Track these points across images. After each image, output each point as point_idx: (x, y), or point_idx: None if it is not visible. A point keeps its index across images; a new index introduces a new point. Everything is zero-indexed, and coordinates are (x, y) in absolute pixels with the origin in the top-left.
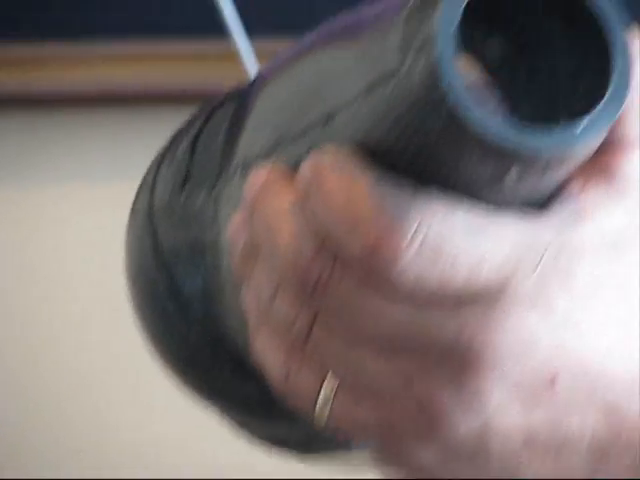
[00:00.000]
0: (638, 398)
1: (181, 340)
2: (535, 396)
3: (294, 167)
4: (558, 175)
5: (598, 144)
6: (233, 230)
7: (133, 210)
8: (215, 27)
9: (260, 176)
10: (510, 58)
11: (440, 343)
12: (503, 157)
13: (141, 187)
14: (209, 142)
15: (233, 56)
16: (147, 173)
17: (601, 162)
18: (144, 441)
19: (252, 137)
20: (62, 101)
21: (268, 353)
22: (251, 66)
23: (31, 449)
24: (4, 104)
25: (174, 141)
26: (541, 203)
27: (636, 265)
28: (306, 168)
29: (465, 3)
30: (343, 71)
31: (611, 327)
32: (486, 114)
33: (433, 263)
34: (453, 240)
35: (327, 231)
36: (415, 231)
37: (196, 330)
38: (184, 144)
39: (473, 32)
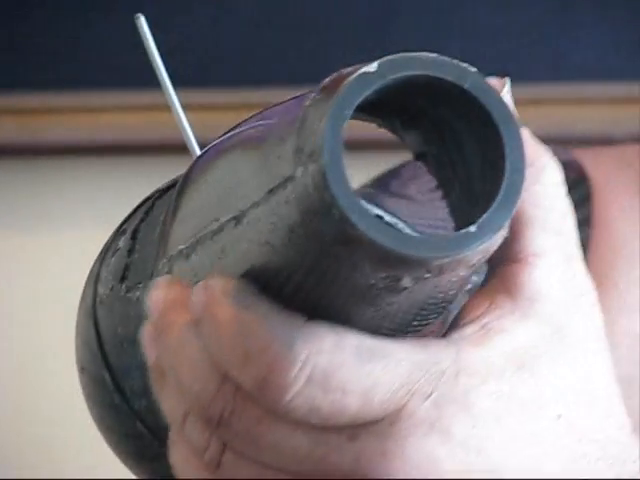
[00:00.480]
0: None
1: (129, 430)
2: None
3: (209, 270)
4: (456, 278)
5: (493, 247)
6: (144, 344)
7: (81, 300)
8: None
9: (162, 292)
10: (434, 149)
11: (340, 469)
12: (394, 263)
13: (88, 277)
14: (148, 234)
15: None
16: (94, 263)
17: (506, 279)
18: None
19: (177, 233)
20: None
21: (185, 471)
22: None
23: (31, 449)
24: None
25: (119, 231)
26: (445, 314)
27: (542, 384)
28: (198, 294)
29: (347, 119)
30: (252, 173)
31: (518, 449)
32: (375, 221)
33: (323, 392)
34: (343, 368)
35: (222, 362)
36: (304, 361)
37: (142, 421)
38: (126, 235)
39: (394, 120)
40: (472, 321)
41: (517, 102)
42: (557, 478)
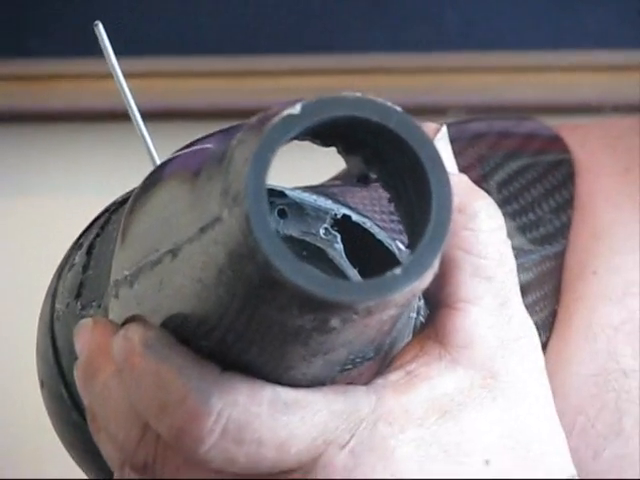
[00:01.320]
0: None
1: (89, 447)
2: None
3: (150, 300)
4: (386, 317)
5: (422, 286)
6: (77, 386)
7: (40, 315)
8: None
9: (87, 335)
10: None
11: None
12: (320, 306)
13: (47, 291)
14: (103, 250)
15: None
16: (53, 277)
17: (436, 325)
18: None
19: (123, 257)
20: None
21: None
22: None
23: (30, 449)
24: None
25: (75, 245)
26: (384, 352)
27: (468, 430)
28: (119, 343)
29: (270, 162)
30: (188, 206)
31: None
32: (299, 265)
33: (238, 443)
34: (257, 420)
35: (142, 411)
36: (219, 413)
37: None
38: (82, 250)
39: (335, 144)
40: (399, 367)
41: (517, 70)
42: None
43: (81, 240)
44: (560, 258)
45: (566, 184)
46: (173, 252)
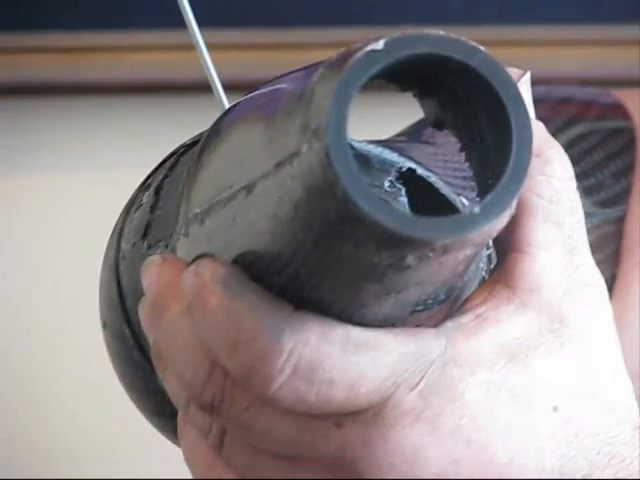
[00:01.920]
0: None
1: (150, 388)
2: None
3: (221, 237)
4: (462, 256)
5: (498, 226)
6: (143, 324)
7: (105, 254)
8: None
9: (156, 272)
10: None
11: (327, 455)
12: (397, 243)
13: (112, 231)
14: (171, 191)
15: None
16: (119, 216)
17: (505, 269)
18: (145, 440)
19: (195, 196)
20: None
21: (192, 453)
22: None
23: (30, 449)
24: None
25: (143, 186)
26: (454, 297)
27: (537, 375)
28: (189, 280)
29: (352, 97)
30: (264, 142)
31: (513, 441)
32: (378, 200)
33: (309, 383)
34: (329, 360)
35: (211, 348)
36: (290, 352)
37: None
38: (150, 191)
39: (412, 88)
40: (468, 310)
41: (545, 43)
42: (553, 474)
43: (149, 181)
44: (620, 223)
45: (627, 150)
46: (248, 188)
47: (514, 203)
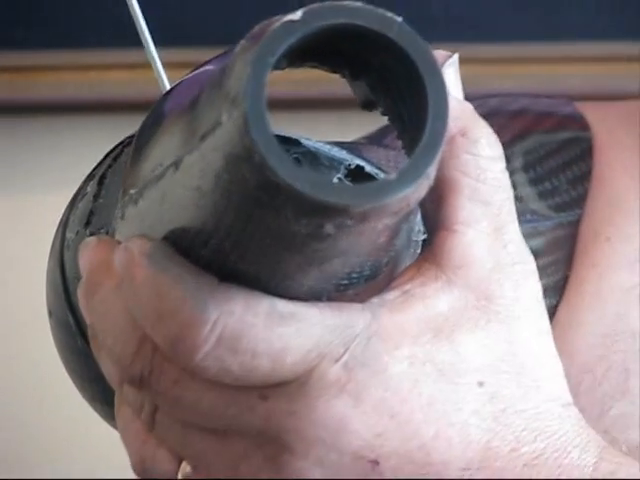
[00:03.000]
0: None
1: (93, 375)
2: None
3: (153, 216)
4: (382, 226)
5: (416, 196)
6: (80, 305)
7: (51, 246)
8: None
9: (90, 252)
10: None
11: (253, 428)
12: (315, 210)
13: (59, 223)
14: (114, 180)
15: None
16: (66, 208)
17: (433, 247)
18: None
19: (131, 178)
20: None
21: (127, 433)
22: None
23: (30, 449)
24: None
25: (89, 177)
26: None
27: (462, 351)
28: (120, 256)
29: (270, 65)
30: (191, 120)
31: (438, 415)
32: (294, 167)
33: (233, 352)
34: (253, 330)
35: (139, 322)
36: (214, 322)
37: None
38: (94, 180)
39: (343, 70)
40: (395, 287)
41: (507, 61)
42: (479, 449)
43: (94, 172)
44: (574, 227)
45: (584, 158)
46: (176, 164)
47: (431, 172)
